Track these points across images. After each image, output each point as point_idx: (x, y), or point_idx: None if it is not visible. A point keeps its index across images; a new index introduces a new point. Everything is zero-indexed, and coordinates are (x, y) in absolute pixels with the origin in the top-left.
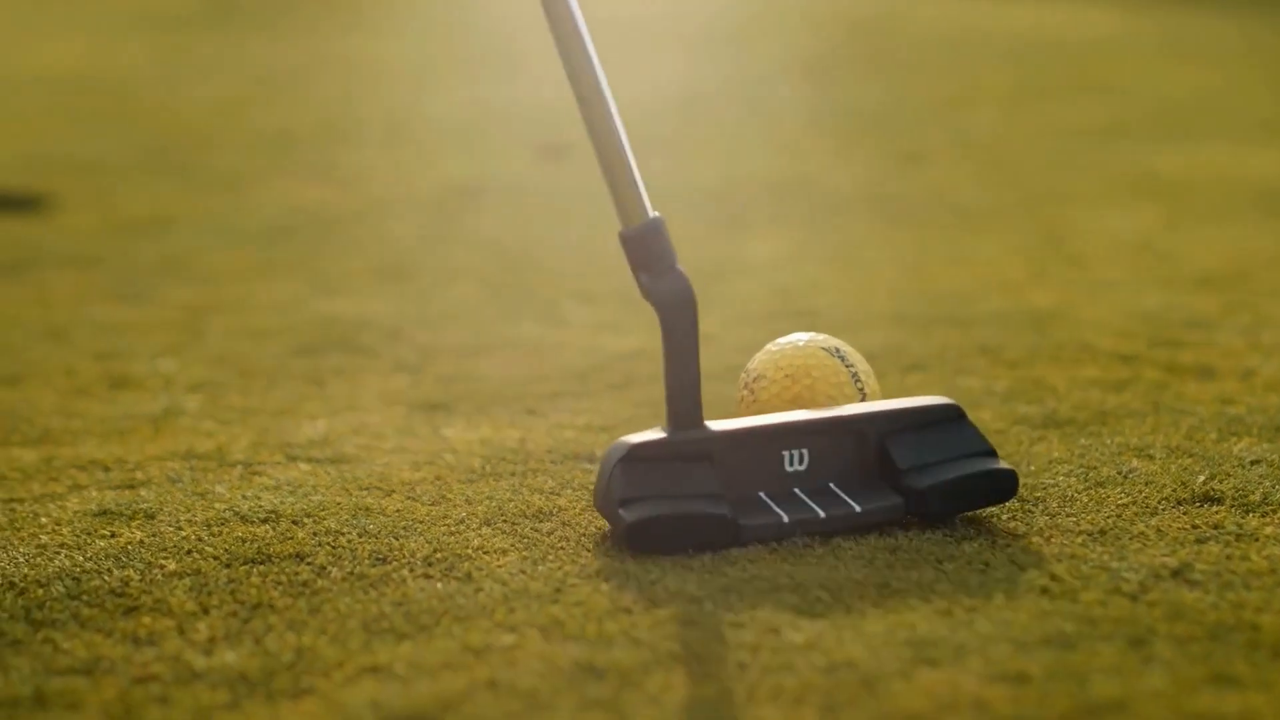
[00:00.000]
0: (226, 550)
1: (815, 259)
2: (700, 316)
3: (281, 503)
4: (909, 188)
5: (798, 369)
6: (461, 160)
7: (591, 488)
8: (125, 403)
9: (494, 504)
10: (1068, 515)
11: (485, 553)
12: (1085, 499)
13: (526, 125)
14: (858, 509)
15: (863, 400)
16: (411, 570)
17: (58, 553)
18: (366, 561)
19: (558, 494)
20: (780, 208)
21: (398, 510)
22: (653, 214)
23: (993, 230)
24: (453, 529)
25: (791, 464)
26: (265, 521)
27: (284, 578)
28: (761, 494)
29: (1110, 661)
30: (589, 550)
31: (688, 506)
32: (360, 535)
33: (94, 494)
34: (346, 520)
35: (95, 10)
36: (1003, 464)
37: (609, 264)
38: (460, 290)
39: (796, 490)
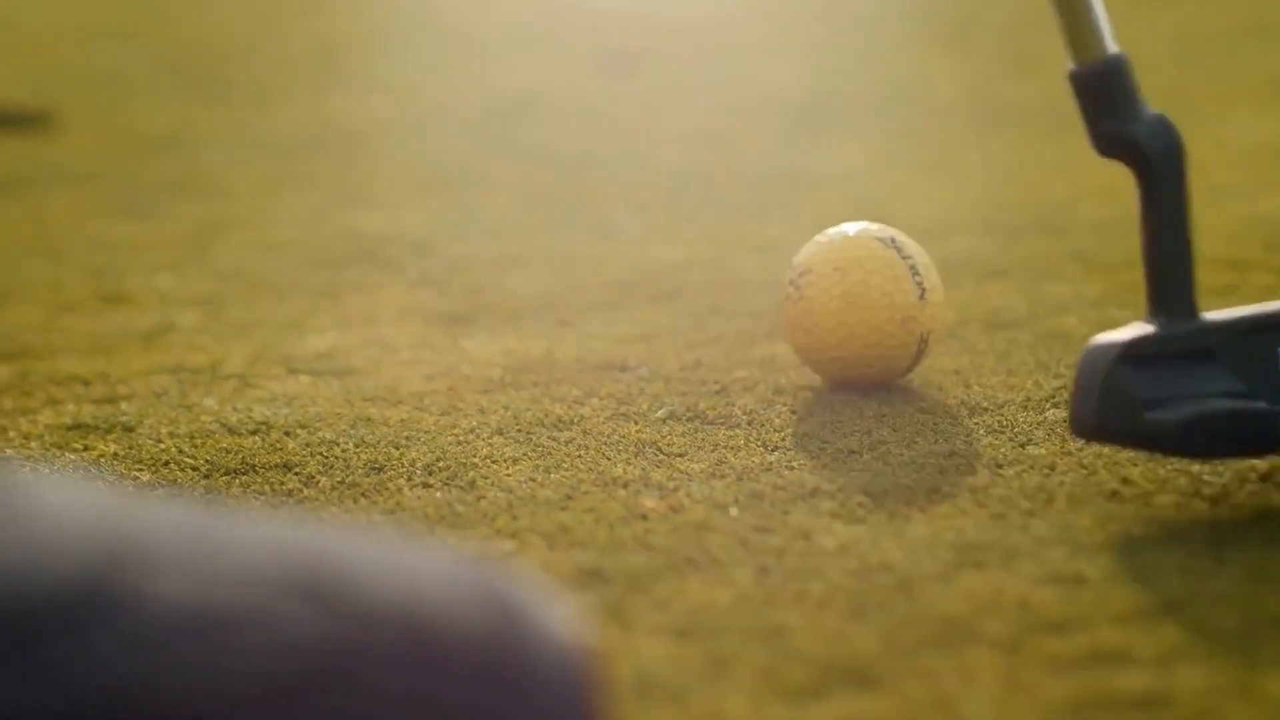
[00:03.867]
0: (207, 461)
1: (902, 167)
2: (766, 226)
3: (274, 414)
4: (1017, 92)
5: (848, 261)
6: (517, 71)
7: (619, 395)
8: (115, 319)
9: (509, 413)
10: None
11: (493, 461)
12: None
13: (590, 34)
14: None
15: (921, 298)
16: (409, 479)
17: (22, 467)
18: (360, 471)
19: (581, 403)
20: (866, 117)
21: (401, 420)
22: (1115, 49)
23: None
24: (460, 438)
25: None
26: (254, 433)
27: (267, 488)
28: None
29: (1178, 563)
30: (609, 458)
31: (1228, 404)
32: (357, 445)
33: (70, 408)
34: (344, 431)
35: None
36: None
37: (668, 175)
38: (501, 202)
39: None
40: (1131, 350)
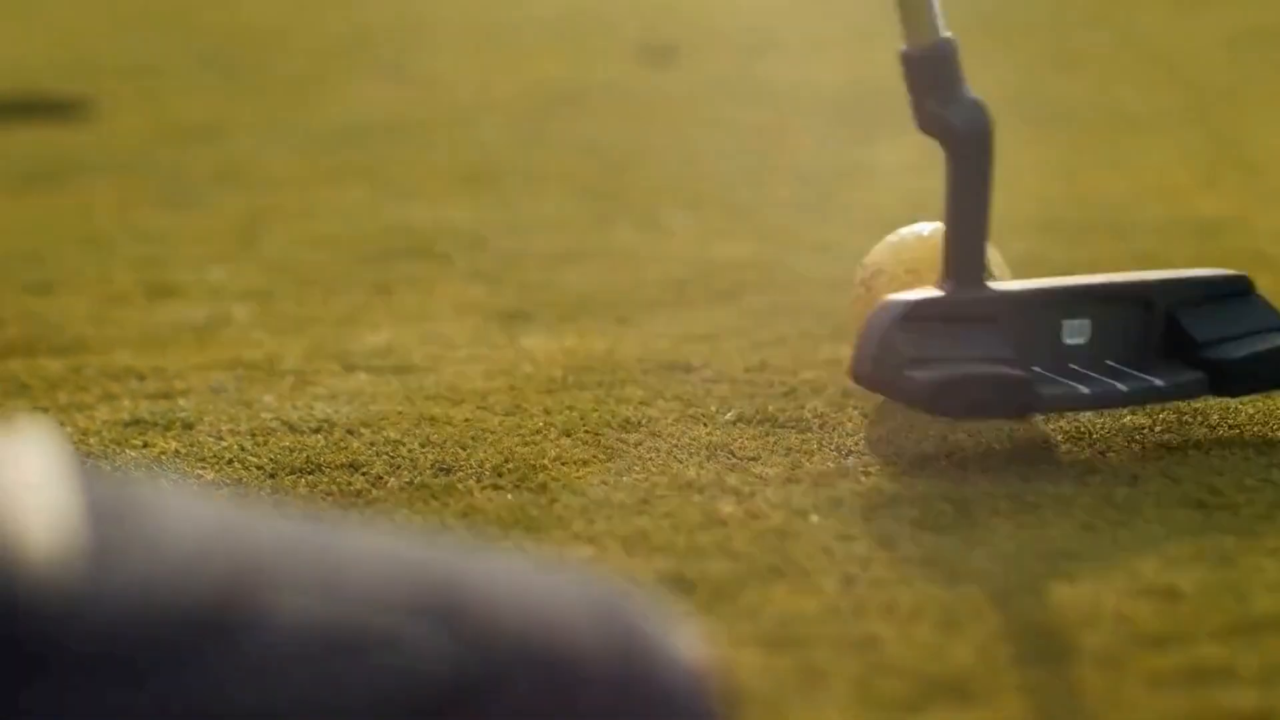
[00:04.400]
0: (272, 460)
1: None
2: (821, 224)
3: (336, 412)
4: (1064, 91)
5: (922, 263)
6: (555, 62)
7: (685, 397)
8: (166, 312)
9: (575, 414)
10: (1230, 428)
11: (563, 463)
12: (1250, 410)
13: (629, 24)
14: (1159, 383)
15: None
16: (479, 480)
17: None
18: (428, 471)
19: (648, 404)
20: None
21: (466, 420)
22: (946, 34)
23: (1157, 135)
24: (527, 439)
25: (1071, 336)
26: (317, 431)
27: (335, 488)
28: (1037, 368)
29: (1274, 578)
30: (681, 461)
31: (986, 369)
32: (422, 445)
33: (126, 403)
34: (408, 430)
35: None
36: None
37: (718, 170)
38: (550, 196)
39: (1073, 367)
40: (914, 311)
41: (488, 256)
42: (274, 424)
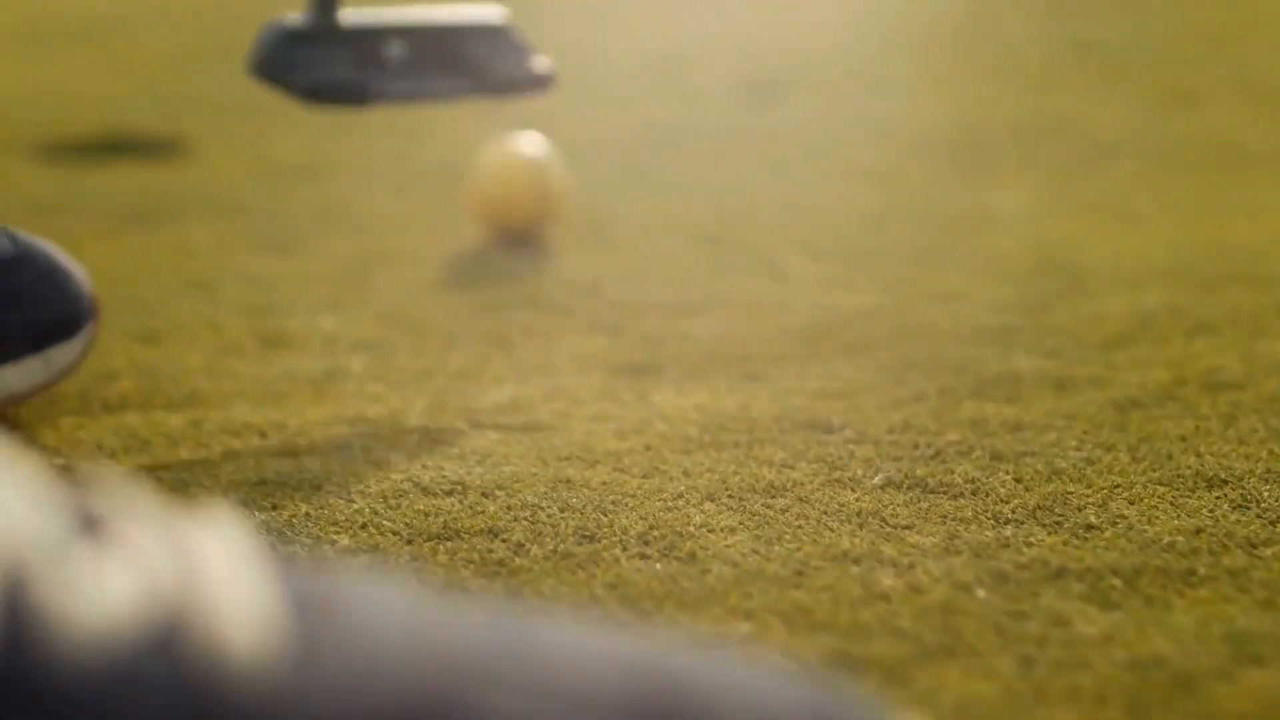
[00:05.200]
0: (407, 525)
1: (1075, 209)
2: (945, 273)
3: (468, 473)
4: (1181, 131)
5: None
6: (657, 102)
7: (828, 459)
8: (281, 363)
9: (716, 477)
10: None
11: (710, 530)
12: None
13: (729, 63)
14: (449, 85)
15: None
16: (625, 549)
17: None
18: (571, 539)
19: (790, 466)
20: (1029, 153)
21: (604, 483)
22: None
23: None
24: (669, 504)
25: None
26: (450, 494)
27: (476, 555)
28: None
29: None
30: (832, 529)
31: (330, 73)
32: (562, 510)
33: (250, 462)
34: (545, 493)
35: None
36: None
37: (833, 214)
38: (664, 242)
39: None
40: (293, 29)
41: (604, 305)
42: (405, 485)
